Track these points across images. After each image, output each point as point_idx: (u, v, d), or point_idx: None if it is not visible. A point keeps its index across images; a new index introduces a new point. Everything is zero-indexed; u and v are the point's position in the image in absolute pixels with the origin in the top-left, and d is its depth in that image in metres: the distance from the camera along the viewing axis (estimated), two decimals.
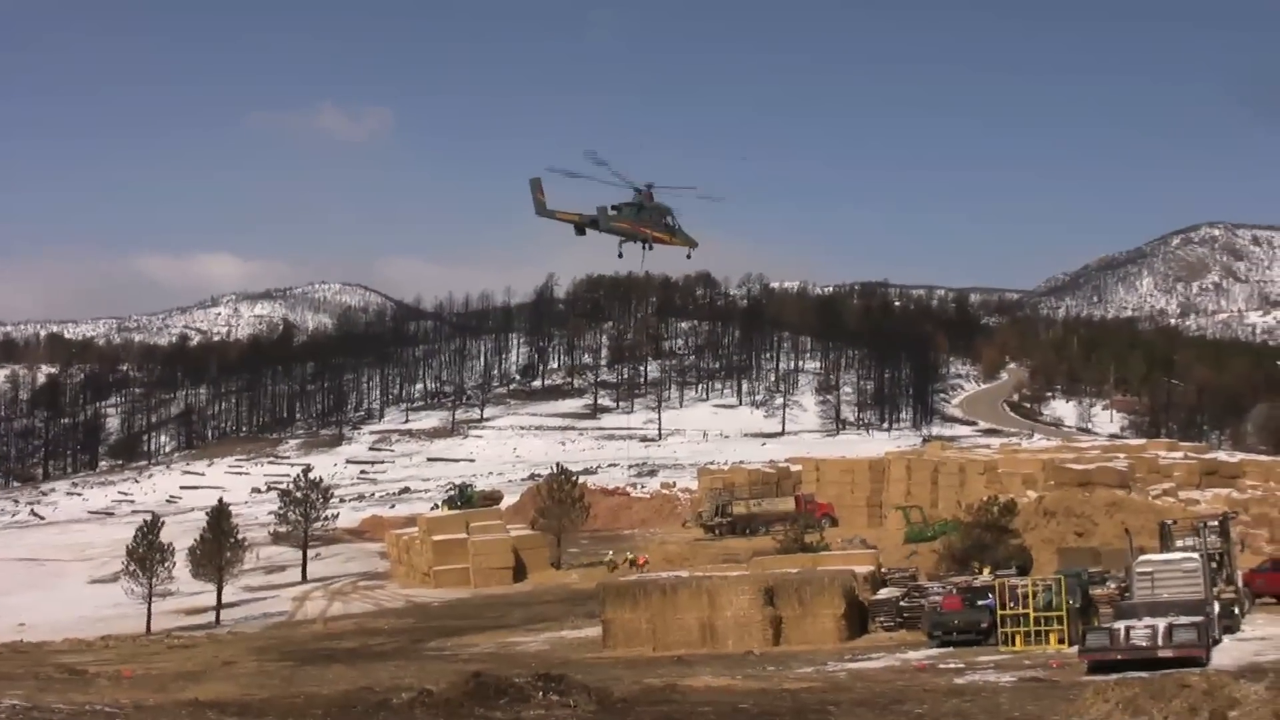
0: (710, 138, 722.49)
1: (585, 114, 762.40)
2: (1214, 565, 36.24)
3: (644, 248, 50.25)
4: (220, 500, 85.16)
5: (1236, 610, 36.23)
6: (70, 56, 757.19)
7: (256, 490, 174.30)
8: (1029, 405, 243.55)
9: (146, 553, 73.02)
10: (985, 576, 39.47)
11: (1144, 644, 29.01)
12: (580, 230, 49.68)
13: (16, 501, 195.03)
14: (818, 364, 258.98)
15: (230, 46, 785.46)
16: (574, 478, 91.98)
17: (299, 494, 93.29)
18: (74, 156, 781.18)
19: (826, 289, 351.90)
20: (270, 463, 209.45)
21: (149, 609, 72.20)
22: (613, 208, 49.47)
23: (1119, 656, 29.03)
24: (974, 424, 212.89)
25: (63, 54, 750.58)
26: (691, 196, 50.75)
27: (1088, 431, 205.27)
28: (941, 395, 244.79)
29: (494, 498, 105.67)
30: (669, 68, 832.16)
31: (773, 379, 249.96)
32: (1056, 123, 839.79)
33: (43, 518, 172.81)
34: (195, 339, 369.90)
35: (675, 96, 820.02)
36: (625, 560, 76.60)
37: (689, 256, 52.70)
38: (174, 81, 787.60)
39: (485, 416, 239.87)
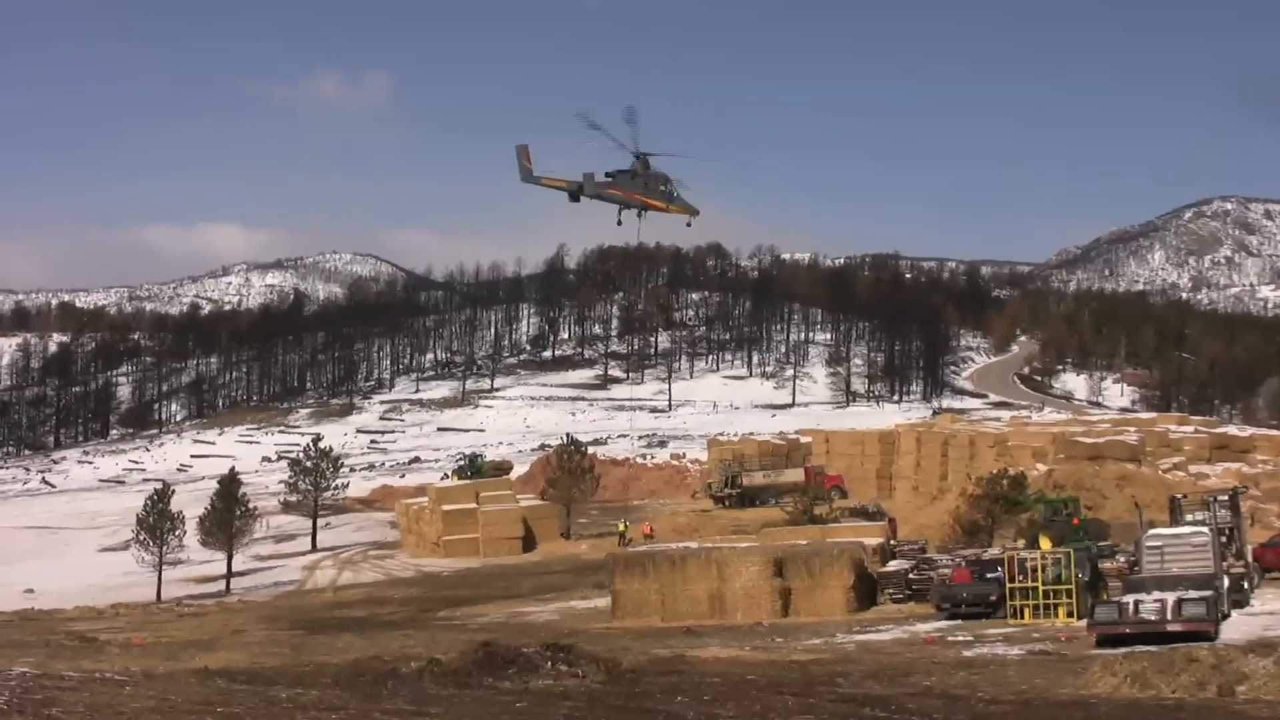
0: (713, 105, 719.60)
1: (589, 77, 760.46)
2: (1224, 540, 36.11)
3: (638, 215, 49.64)
4: (231, 469, 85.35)
5: (1246, 585, 36.12)
6: (72, 26, 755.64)
7: (267, 459, 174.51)
8: (1039, 378, 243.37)
9: (157, 521, 73.29)
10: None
11: (1153, 618, 28.90)
12: (573, 197, 48.85)
13: (28, 469, 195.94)
14: (828, 336, 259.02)
15: (221, 14, 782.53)
16: (584, 448, 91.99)
17: (309, 463, 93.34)
18: (76, 126, 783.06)
19: (837, 261, 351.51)
20: (281, 432, 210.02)
21: (159, 577, 72.55)
22: (607, 174, 48.79)
23: (1127, 630, 28.93)
24: (984, 397, 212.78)
25: (65, 22, 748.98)
26: (693, 163, 50.22)
27: (1098, 405, 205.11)
28: (952, 368, 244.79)
29: (504, 468, 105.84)
30: (670, 34, 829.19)
31: (783, 350, 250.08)
32: (1069, 94, 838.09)
33: (54, 486, 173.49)
34: (206, 308, 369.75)
35: (676, 62, 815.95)
36: (623, 534, 75.84)
37: (689, 225, 51.94)
38: (176, 52, 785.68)
39: (495, 387, 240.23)
